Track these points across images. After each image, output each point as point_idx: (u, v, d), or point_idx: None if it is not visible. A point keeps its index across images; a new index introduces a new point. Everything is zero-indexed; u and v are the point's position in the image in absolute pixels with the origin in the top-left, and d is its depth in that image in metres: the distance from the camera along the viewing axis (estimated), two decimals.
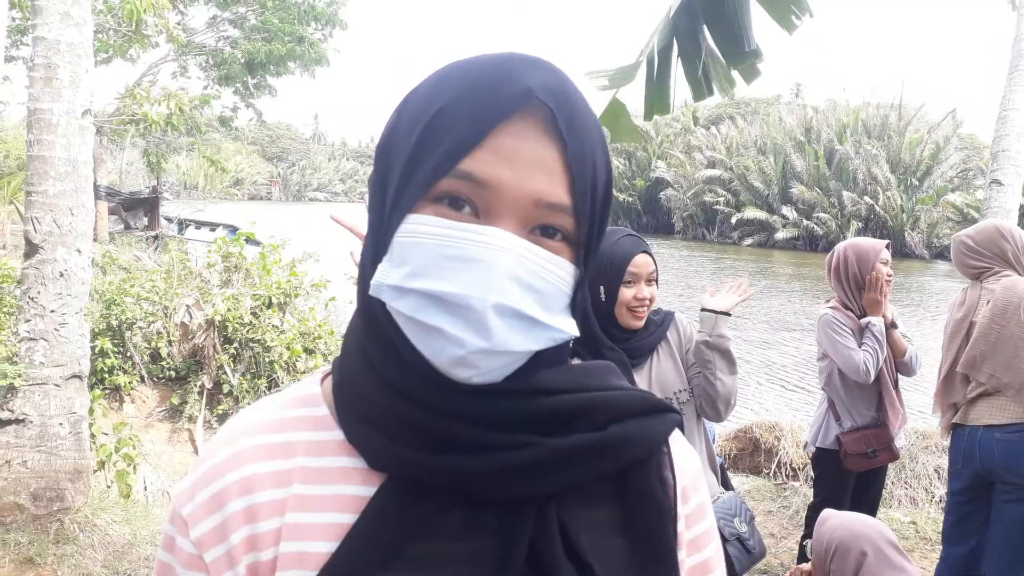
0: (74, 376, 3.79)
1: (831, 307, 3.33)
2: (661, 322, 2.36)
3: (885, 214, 38.94)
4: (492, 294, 0.58)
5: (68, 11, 3.77)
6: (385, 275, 0.61)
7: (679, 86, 3.04)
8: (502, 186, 0.60)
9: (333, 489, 0.64)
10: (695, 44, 2.92)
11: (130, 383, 5.83)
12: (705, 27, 2.90)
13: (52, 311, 3.65)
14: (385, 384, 0.63)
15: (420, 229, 0.60)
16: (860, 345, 3.18)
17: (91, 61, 4.05)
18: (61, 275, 3.66)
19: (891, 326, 3.26)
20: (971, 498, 3.00)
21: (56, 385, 3.69)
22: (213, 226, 20.15)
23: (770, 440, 5.49)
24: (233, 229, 18.61)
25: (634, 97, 3.40)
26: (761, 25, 3.17)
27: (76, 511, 3.60)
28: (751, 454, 5.57)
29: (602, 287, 2.21)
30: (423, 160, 0.61)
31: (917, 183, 40.03)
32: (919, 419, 4.05)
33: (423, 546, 0.61)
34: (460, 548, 0.61)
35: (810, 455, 3.63)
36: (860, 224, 39.18)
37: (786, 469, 5.18)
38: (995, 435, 2.84)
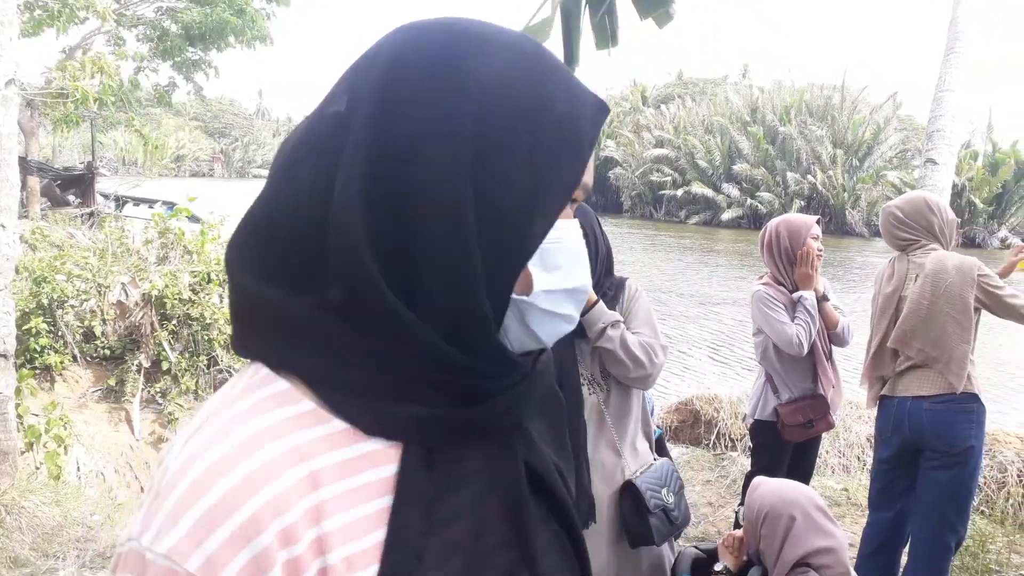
0: None
1: (764, 283, 3.36)
2: (615, 293, 2.37)
3: (827, 193, 39.82)
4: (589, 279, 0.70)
5: None
6: (542, 281, 0.66)
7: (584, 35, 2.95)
8: (589, 191, 0.70)
9: (361, 479, 0.61)
10: None
11: (62, 363, 5.66)
12: None
13: None
14: (407, 359, 0.60)
15: (563, 235, 0.66)
16: (793, 319, 3.24)
17: (15, 30, 3.88)
18: None
19: (823, 299, 3.32)
20: (897, 465, 3.10)
21: None
22: (152, 203, 19.58)
23: (710, 412, 5.60)
24: (172, 206, 18.14)
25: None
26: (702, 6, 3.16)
27: (3, 493, 3.48)
28: (691, 426, 5.67)
29: None
30: (562, 167, 0.63)
31: (858, 163, 41.03)
32: (851, 390, 4.16)
33: (453, 500, 0.63)
34: (479, 486, 0.65)
35: (748, 427, 3.68)
36: (803, 202, 40.01)
37: (725, 440, 5.29)
38: (923, 405, 2.92)
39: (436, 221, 0.58)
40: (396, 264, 0.59)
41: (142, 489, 5.03)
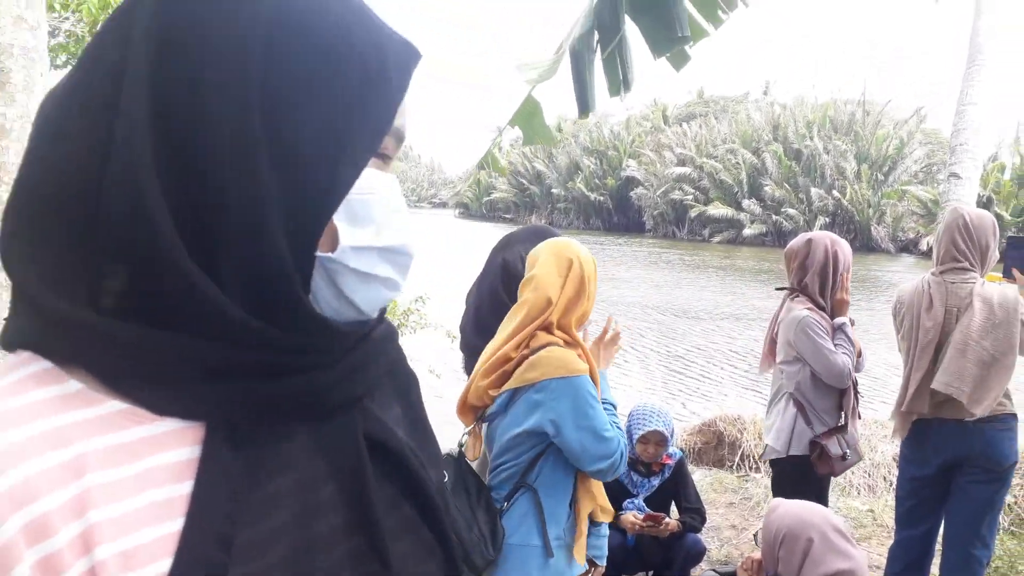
0: None
1: (808, 308, 3.11)
2: None
3: (852, 208, 39.52)
4: (414, 240, 0.63)
5: (22, 14, 3.71)
6: (350, 237, 0.58)
7: (598, 80, 2.99)
8: (403, 140, 0.63)
9: (145, 464, 0.52)
10: (615, 34, 2.88)
11: None
12: (627, 16, 2.87)
13: None
14: (216, 334, 0.54)
15: (376, 186, 0.60)
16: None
17: (46, 65, 4.00)
18: None
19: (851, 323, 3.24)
20: (930, 483, 3.08)
21: None
22: None
23: (733, 433, 5.57)
24: None
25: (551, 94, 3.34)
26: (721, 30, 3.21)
27: None
28: (715, 447, 5.64)
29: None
30: (368, 110, 0.58)
31: (883, 178, 40.72)
32: (875, 409, 4.13)
33: (271, 484, 0.56)
34: (309, 468, 0.59)
35: (770, 461, 3.35)
36: (827, 218, 39.73)
37: (749, 461, 5.26)
38: (968, 426, 2.90)
39: (227, 173, 0.52)
40: (190, 229, 0.52)
41: None
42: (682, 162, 47.98)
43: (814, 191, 40.78)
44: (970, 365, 2.86)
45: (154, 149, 0.51)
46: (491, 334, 2.28)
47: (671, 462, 3.59)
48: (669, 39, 2.93)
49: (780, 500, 2.41)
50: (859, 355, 3.19)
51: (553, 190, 59.31)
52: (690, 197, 46.53)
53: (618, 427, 2.08)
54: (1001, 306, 2.86)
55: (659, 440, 3.48)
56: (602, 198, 54.73)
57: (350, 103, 0.56)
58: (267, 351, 0.56)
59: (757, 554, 2.41)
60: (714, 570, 2.69)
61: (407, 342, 8.23)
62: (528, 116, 3.17)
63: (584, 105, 2.97)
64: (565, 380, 1.98)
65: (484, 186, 72.76)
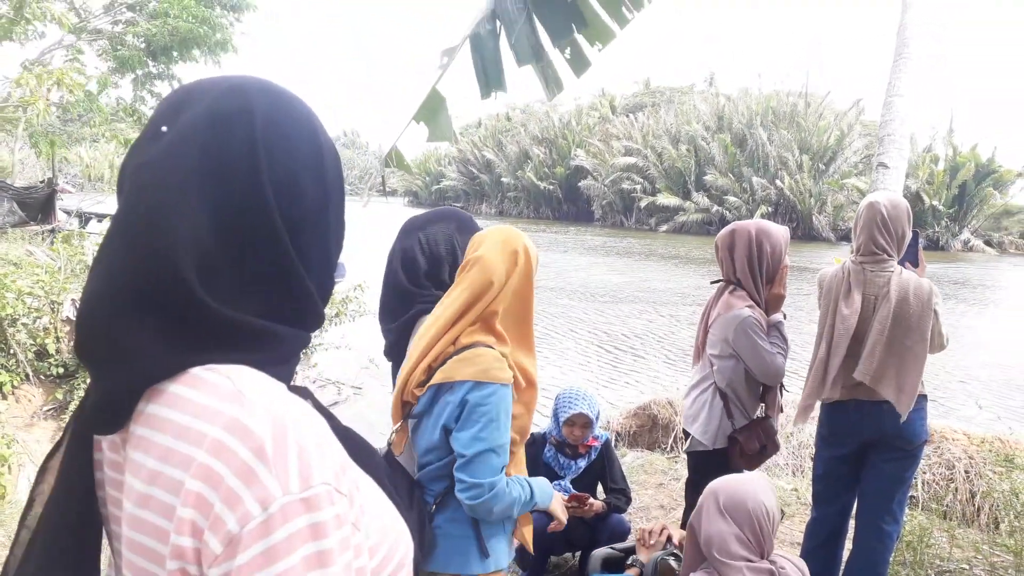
0: None
1: (748, 305, 3.10)
2: None
3: (794, 198, 40.32)
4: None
5: None
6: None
7: (507, 61, 2.94)
8: None
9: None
10: (519, 18, 2.84)
11: (12, 381, 5.58)
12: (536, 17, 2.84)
13: None
14: None
15: None
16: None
17: None
18: None
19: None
20: (846, 462, 3.17)
21: None
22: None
23: (667, 416, 5.64)
24: None
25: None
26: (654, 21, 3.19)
27: None
28: (650, 430, 5.71)
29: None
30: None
31: (824, 168, 41.61)
32: (800, 391, 4.19)
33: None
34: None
35: (688, 452, 3.37)
36: (770, 208, 40.47)
37: (680, 443, 5.33)
38: (883, 408, 2.97)
39: (314, 226, 0.82)
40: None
41: None
42: (629, 152, 48.31)
43: (756, 180, 41.47)
44: (891, 357, 2.94)
45: (278, 211, 0.76)
46: (393, 318, 2.25)
47: (598, 444, 3.62)
48: (565, 31, 2.93)
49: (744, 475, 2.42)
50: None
51: (503, 179, 59.17)
52: (638, 187, 46.92)
53: (518, 486, 1.94)
54: (916, 296, 2.94)
55: (584, 423, 3.51)
56: (551, 187, 54.81)
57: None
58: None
59: (650, 526, 2.44)
60: (611, 547, 2.70)
61: (346, 330, 8.15)
62: (432, 111, 3.07)
63: (489, 84, 2.91)
64: (483, 386, 1.86)
65: (434, 174, 72.31)
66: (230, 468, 0.64)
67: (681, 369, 9.83)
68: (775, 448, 3.25)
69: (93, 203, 19.89)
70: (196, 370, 0.71)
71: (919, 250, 3.25)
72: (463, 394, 1.88)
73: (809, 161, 41.03)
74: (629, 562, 2.44)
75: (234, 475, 0.64)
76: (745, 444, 3.12)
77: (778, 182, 40.89)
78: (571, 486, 3.53)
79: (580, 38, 2.93)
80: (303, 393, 0.77)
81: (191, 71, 16.70)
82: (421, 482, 2.01)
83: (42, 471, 0.82)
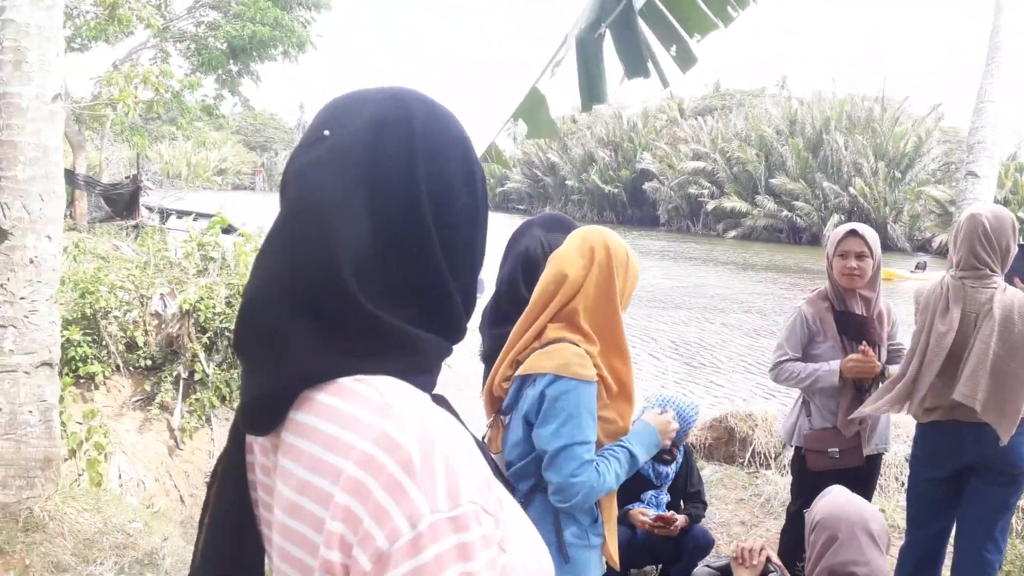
0: (44, 364, 3.75)
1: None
2: None
3: (869, 206, 39.19)
4: None
5: None
6: None
7: (613, 68, 2.94)
8: None
9: None
10: (628, 22, 2.83)
11: (103, 372, 5.79)
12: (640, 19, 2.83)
13: (22, 298, 3.62)
14: None
15: None
16: (816, 351, 3.23)
17: (61, 45, 4.01)
18: (31, 262, 3.62)
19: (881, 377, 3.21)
20: (946, 485, 3.05)
21: (26, 373, 3.65)
22: (196, 216, 19.94)
23: (744, 429, 5.53)
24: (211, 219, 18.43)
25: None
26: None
27: (46, 499, 3.57)
28: (726, 443, 5.61)
29: None
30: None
31: (900, 175, 40.34)
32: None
33: None
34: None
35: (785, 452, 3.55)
36: (843, 216, 39.41)
37: (760, 458, 5.22)
38: (985, 429, 2.83)
39: (463, 231, 0.83)
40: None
41: (181, 499, 5.11)
42: (697, 156, 47.68)
43: (828, 186, 40.45)
44: (994, 378, 2.78)
45: (431, 219, 0.76)
46: (509, 323, 2.24)
47: (681, 447, 3.59)
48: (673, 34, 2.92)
49: (831, 487, 2.40)
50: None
51: (567, 181, 59.09)
52: (705, 192, 46.28)
53: (612, 464, 1.90)
54: (1021, 315, 2.79)
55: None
56: (616, 190, 54.49)
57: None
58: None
59: (749, 543, 2.40)
60: (707, 565, 2.66)
61: None
62: (532, 109, 3.11)
63: (591, 96, 2.91)
64: (562, 381, 1.85)
65: (498, 176, 72.63)
66: (378, 482, 0.64)
67: (756, 382, 9.65)
68: (856, 459, 3.18)
69: (174, 200, 20.59)
70: (345, 380, 0.71)
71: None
72: (542, 387, 1.87)
73: (885, 168, 39.83)
74: None
75: (382, 489, 0.63)
76: (809, 443, 3.16)
77: (851, 189, 39.81)
78: (667, 495, 3.51)
79: (684, 35, 2.90)
80: (443, 403, 0.77)
81: (270, 70, 17.13)
82: (510, 480, 1.99)
83: (215, 473, 0.84)
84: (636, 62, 2.92)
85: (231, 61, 16.24)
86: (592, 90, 2.91)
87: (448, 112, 0.82)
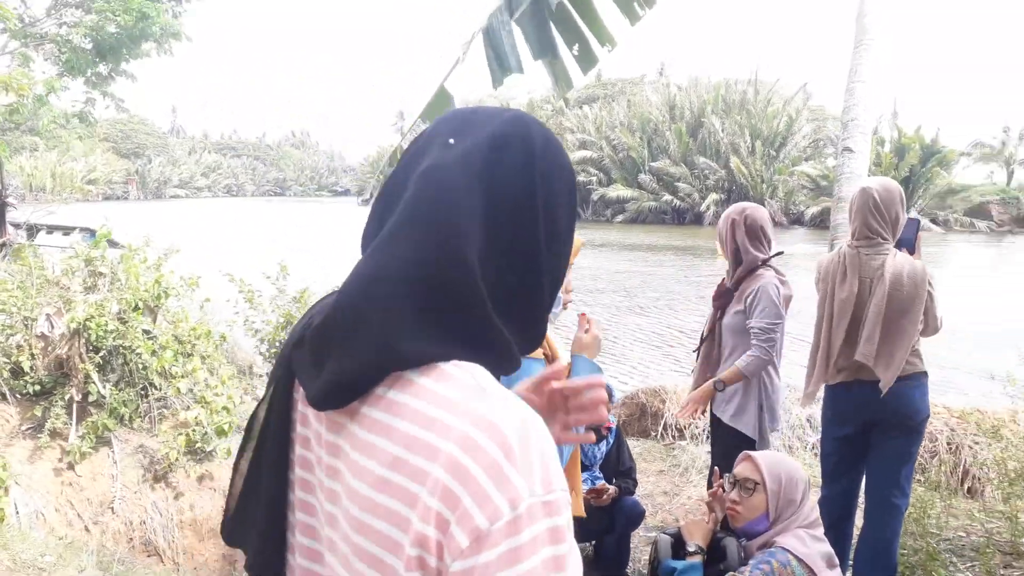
0: None
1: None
2: None
3: (747, 183, 40.96)
4: None
5: None
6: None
7: (519, 51, 2.95)
8: None
9: None
10: (537, 19, 2.87)
11: None
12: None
13: None
14: None
15: None
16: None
17: None
18: None
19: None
20: (853, 441, 3.26)
21: None
22: (67, 230, 18.75)
23: (655, 404, 5.71)
24: (92, 232, 17.42)
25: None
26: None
27: None
28: (639, 419, 5.77)
29: None
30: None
31: (774, 153, 42.34)
32: (789, 376, 4.30)
33: None
34: None
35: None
36: (723, 195, 41.06)
37: (671, 431, 5.40)
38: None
39: (564, 242, 0.88)
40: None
41: (87, 528, 4.84)
42: (583, 145, 48.59)
43: (705, 162, 42.04)
44: (886, 337, 3.04)
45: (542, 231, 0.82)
46: None
47: (612, 427, 3.67)
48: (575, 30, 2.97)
49: (746, 451, 2.56)
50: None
51: None
52: (593, 179, 47.22)
53: None
54: (910, 278, 3.02)
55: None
56: None
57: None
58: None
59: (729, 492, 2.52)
60: (662, 531, 2.75)
61: None
62: (441, 109, 3.12)
63: (502, 71, 2.90)
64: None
65: (386, 173, 71.72)
66: (479, 464, 0.66)
67: (659, 358, 9.94)
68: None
69: (44, 214, 19.33)
70: (442, 364, 0.74)
71: (917, 235, 3.33)
72: None
73: (761, 147, 41.73)
74: (691, 549, 2.49)
75: (483, 472, 0.66)
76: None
77: (730, 167, 41.50)
78: (600, 474, 3.57)
79: (589, 35, 2.95)
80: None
81: (144, 67, 16.24)
82: None
83: (254, 419, 0.91)
84: (544, 46, 2.95)
85: (99, 61, 15.29)
86: (503, 64, 2.90)
87: (559, 141, 0.87)
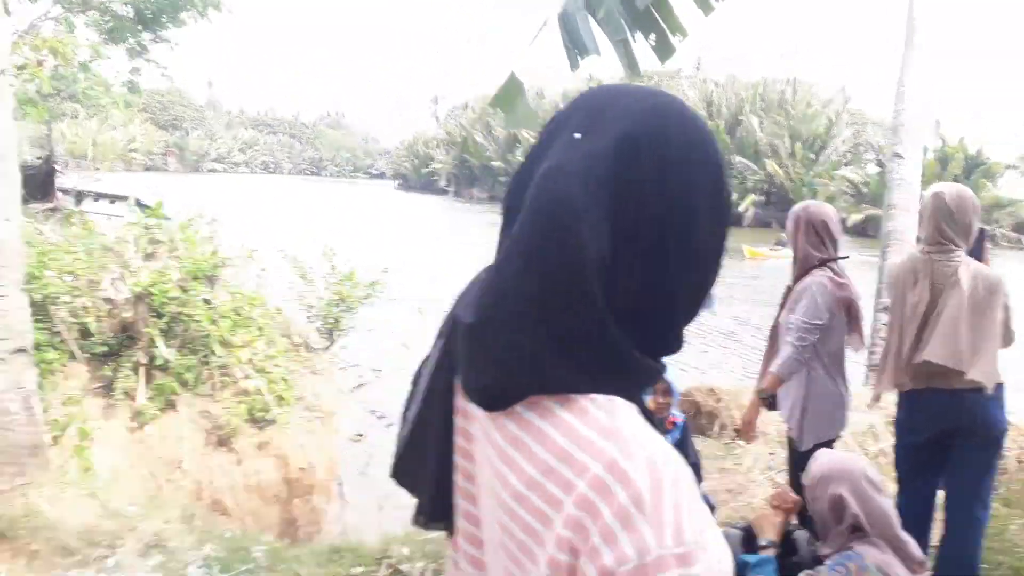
0: (19, 350, 3.61)
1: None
2: None
3: (787, 186, 40.50)
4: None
5: None
6: None
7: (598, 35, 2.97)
8: None
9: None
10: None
11: (60, 359, 5.56)
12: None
13: None
14: None
15: None
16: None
17: (4, 19, 3.81)
18: None
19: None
20: (928, 450, 3.22)
21: (1, 359, 3.51)
22: (113, 198, 19.12)
23: (710, 403, 5.72)
24: (137, 202, 17.73)
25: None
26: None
27: (41, 486, 3.47)
28: (693, 417, 5.79)
29: None
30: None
31: (814, 157, 41.81)
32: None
33: None
34: None
35: None
36: (762, 197, 40.67)
37: (728, 430, 5.42)
38: (964, 396, 3.03)
39: (711, 252, 0.82)
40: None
41: (160, 485, 4.98)
42: None
43: (743, 162, 41.60)
44: (963, 335, 2.99)
45: (673, 241, 0.76)
46: None
47: (679, 422, 3.66)
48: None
49: (821, 451, 2.56)
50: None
51: (492, 162, 59.02)
52: None
53: None
54: (985, 286, 3.00)
55: (665, 388, 3.34)
56: None
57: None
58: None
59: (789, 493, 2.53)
60: (731, 526, 2.79)
61: (371, 314, 8.17)
62: (511, 98, 3.05)
63: (580, 52, 2.90)
64: None
65: (423, 156, 71.96)
66: (609, 508, 0.67)
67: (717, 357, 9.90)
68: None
69: (92, 181, 19.68)
70: (578, 398, 0.73)
71: (984, 247, 3.29)
72: None
73: (800, 149, 41.23)
74: (763, 543, 2.51)
75: (613, 516, 0.66)
76: None
77: (768, 170, 41.07)
78: None
79: (663, 24, 2.96)
80: (646, 413, 0.78)
81: (180, 38, 16.19)
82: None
83: (409, 400, 0.91)
84: (617, 31, 2.93)
85: (141, 29, 15.41)
86: (578, 47, 2.90)
87: (705, 133, 0.79)
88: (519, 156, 54.84)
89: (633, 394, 0.76)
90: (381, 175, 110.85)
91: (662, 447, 0.71)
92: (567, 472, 0.69)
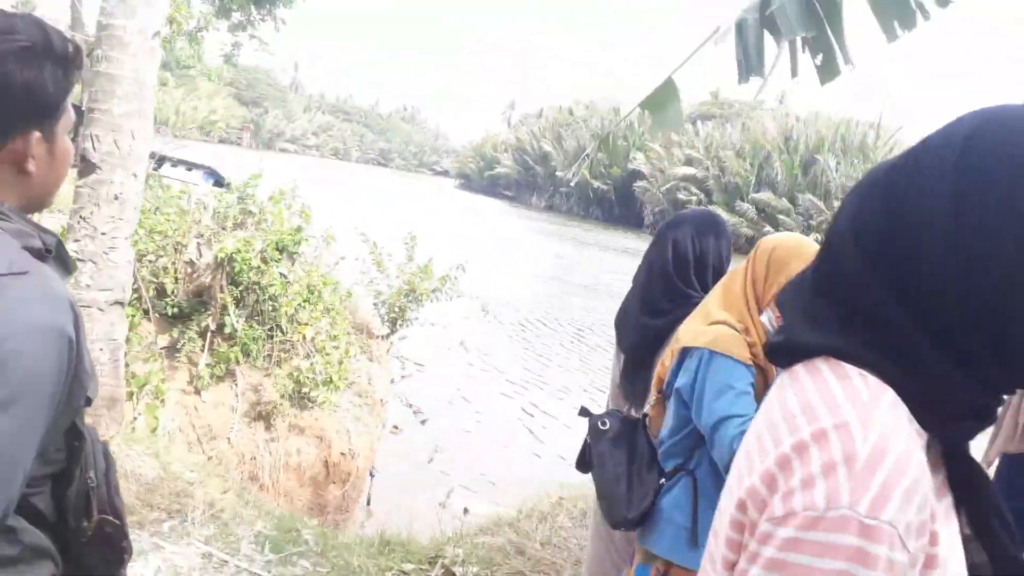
0: (117, 302, 3.70)
1: None
2: None
3: None
4: None
5: None
6: None
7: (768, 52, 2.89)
8: None
9: (936, 476, 0.76)
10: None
11: (134, 316, 5.70)
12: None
13: (103, 234, 3.56)
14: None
15: None
16: None
17: None
18: (115, 198, 3.56)
19: None
20: None
21: (100, 310, 3.59)
22: (189, 165, 19.57)
23: None
24: (210, 171, 18.15)
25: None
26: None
27: (111, 440, 3.53)
28: None
29: None
30: None
31: None
32: None
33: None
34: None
35: None
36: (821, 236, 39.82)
37: None
38: None
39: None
40: None
41: (205, 453, 5.05)
42: (690, 162, 47.89)
43: (810, 200, 40.86)
44: None
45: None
46: (659, 314, 2.27)
47: None
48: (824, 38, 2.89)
49: None
50: None
51: (558, 173, 59.03)
52: (694, 199, 46.51)
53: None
54: None
55: None
56: (606, 187, 54.57)
57: None
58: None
59: None
60: None
61: (440, 309, 8.19)
62: (663, 101, 3.06)
63: (748, 69, 2.85)
64: (716, 357, 1.90)
65: (488, 159, 72.30)
66: (820, 457, 0.68)
67: None
68: None
69: (173, 147, 20.22)
70: (851, 369, 0.74)
71: None
72: (698, 361, 1.93)
73: None
74: None
75: (820, 465, 0.67)
76: None
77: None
78: None
79: (836, 46, 2.88)
80: (964, 458, 0.78)
81: (293, 14, 16.57)
82: (659, 458, 2.08)
83: None
84: (790, 33, 2.85)
85: (253, 6, 15.85)
86: (750, 63, 2.85)
87: (1014, 143, 0.70)
88: (584, 170, 54.85)
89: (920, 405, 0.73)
90: (445, 172, 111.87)
91: (907, 441, 0.69)
92: (801, 419, 0.72)
